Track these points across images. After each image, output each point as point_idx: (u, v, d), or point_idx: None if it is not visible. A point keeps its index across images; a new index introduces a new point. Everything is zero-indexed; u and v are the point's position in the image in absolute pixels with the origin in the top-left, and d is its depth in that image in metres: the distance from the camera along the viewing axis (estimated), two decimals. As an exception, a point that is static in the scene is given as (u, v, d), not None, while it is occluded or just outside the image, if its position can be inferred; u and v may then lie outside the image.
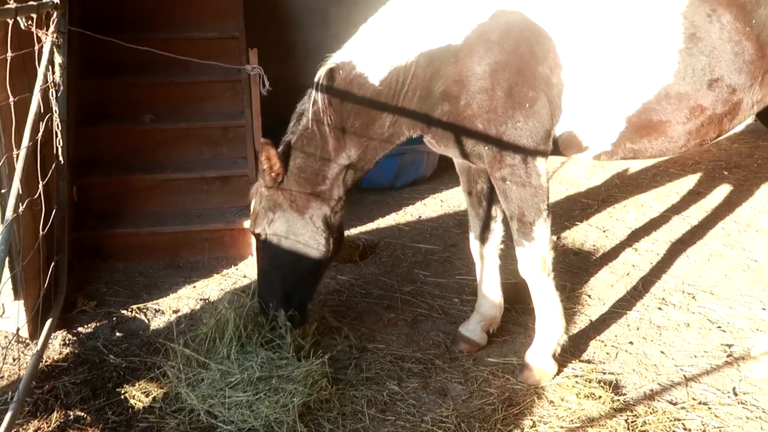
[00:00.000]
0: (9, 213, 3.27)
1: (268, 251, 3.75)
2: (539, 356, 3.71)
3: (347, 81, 3.52)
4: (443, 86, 3.44)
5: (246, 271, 5.01)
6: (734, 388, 3.65)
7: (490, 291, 4.04)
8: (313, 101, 3.53)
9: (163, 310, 4.51)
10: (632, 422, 3.37)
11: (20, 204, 3.35)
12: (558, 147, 3.59)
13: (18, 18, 3.55)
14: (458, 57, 3.39)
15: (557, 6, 3.36)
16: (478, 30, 3.37)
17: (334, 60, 3.57)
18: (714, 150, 7.49)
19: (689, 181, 6.74)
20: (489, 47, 3.36)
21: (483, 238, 3.99)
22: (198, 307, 4.53)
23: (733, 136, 7.71)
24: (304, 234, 3.67)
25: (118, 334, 4.23)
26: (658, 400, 3.56)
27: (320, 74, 3.53)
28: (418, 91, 3.50)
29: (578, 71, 3.37)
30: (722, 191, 6.47)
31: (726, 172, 6.95)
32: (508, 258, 4.12)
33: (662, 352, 3.99)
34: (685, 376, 3.75)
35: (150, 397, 3.59)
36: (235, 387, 3.45)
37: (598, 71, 3.37)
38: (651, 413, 3.44)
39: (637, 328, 4.23)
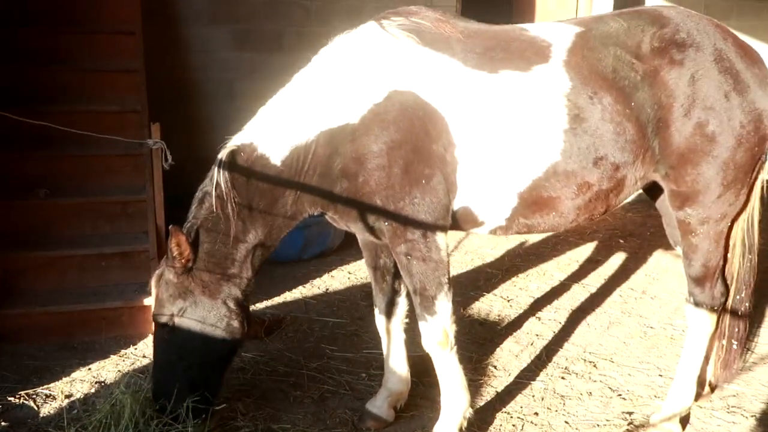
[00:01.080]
0: None
1: (176, 340, 3.63)
2: (446, 431, 3.68)
3: (249, 162, 3.52)
4: (342, 164, 3.48)
5: (145, 351, 4.81)
6: (635, 456, 3.72)
7: (397, 366, 4.01)
8: (215, 184, 3.50)
9: (55, 395, 4.26)
10: (538, 496, 3.37)
11: None
12: (456, 221, 3.65)
13: None
14: (355, 135, 3.45)
15: (449, 87, 3.47)
16: (374, 110, 3.45)
17: (234, 142, 3.58)
18: (610, 219, 7.83)
19: (587, 250, 6.99)
20: (385, 126, 3.43)
21: (388, 312, 3.99)
22: (93, 390, 4.30)
23: (627, 205, 8.09)
24: (219, 319, 3.61)
25: (2, 423, 3.95)
26: (563, 472, 3.58)
27: (221, 156, 3.52)
28: (318, 168, 3.53)
29: (471, 149, 3.47)
30: (618, 259, 6.73)
31: (622, 241, 7.26)
32: (415, 331, 4.12)
33: (566, 422, 4.04)
34: (588, 445, 3.81)
35: (36, 493, 3.35)
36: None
37: (489, 149, 3.48)
38: (556, 486, 3.45)
39: (542, 399, 4.27)
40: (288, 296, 5.82)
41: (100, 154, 5.57)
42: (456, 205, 3.57)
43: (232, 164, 3.52)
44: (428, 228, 3.47)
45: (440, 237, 3.52)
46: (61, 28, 6.10)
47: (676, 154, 3.56)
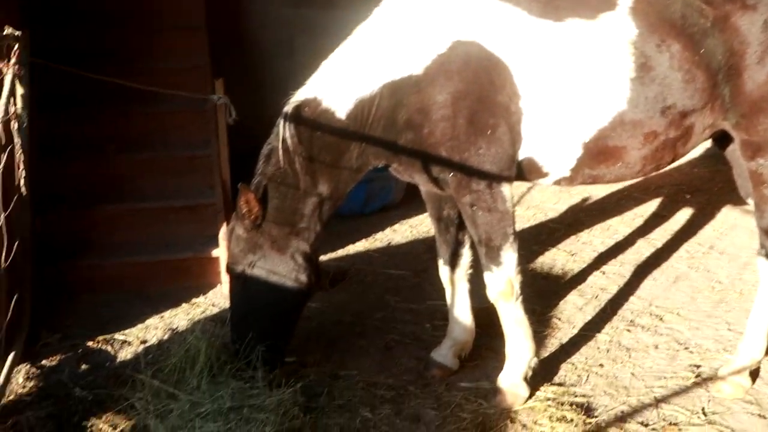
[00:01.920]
0: (-30, 245, 3.21)
1: (248, 292, 3.73)
2: (511, 380, 3.71)
3: (314, 117, 3.55)
4: (406, 115, 3.48)
5: (215, 300, 4.96)
6: (703, 408, 3.68)
7: (462, 316, 4.04)
8: (282, 140, 3.54)
9: (130, 341, 4.43)
10: (604, 444, 3.38)
11: (-18, 236, 3.29)
12: (521, 172, 3.64)
13: (-21, 49, 3.52)
14: (420, 86, 3.44)
15: (513, 37, 3.44)
16: (438, 60, 3.44)
17: (298, 97, 3.60)
18: (675, 175, 7.63)
19: (652, 205, 6.85)
20: (449, 77, 3.42)
21: (452, 263, 4.01)
22: (166, 337, 4.46)
23: (694, 160, 7.87)
24: (288, 273, 3.69)
25: (83, 366, 4.15)
26: (629, 422, 3.57)
27: (286, 111, 3.55)
28: (383, 120, 3.53)
29: (535, 99, 3.44)
30: (685, 214, 6.58)
31: (688, 196, 7.08)
32: (477, 284, 4.13)
33: (632, 373, 4.02)
34: (655, 397, 3.78)
35: (117, 430, 3.51)
36: (205, 418, 3.39)
37: (554, 99, 3.45)
38: (623, 435, 3.45)
39: (607, 351, 4.26)
40: (351, 249, 5.89)
41: (166, 110, 5.70)
42: (520, 155, 3.55)
43: (297, 119, 3.55)
44: (493, 178, 3.47)
45: (505, 187, 3.51)
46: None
47: (748, 103, 3.45)
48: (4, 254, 3.67)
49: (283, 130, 3.55)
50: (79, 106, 5.67)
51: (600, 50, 3.44)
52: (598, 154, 3.54)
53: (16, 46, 3.96)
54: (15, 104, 4.07)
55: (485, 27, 3.45)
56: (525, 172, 3.63)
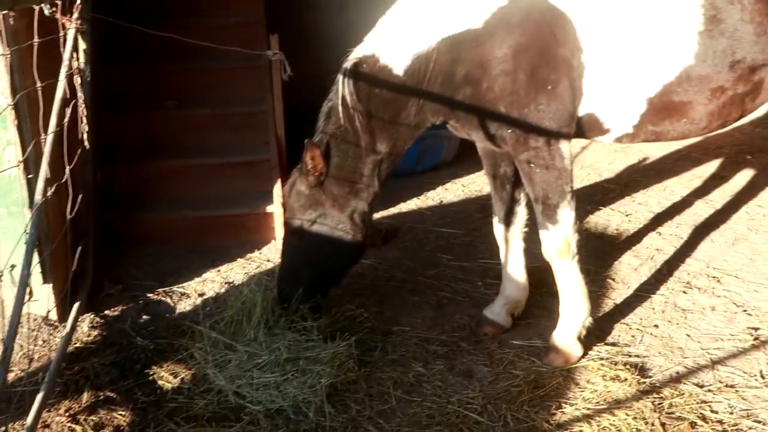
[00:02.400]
0: (38, 197, 3.31)
1: (304, 248, 3.77)
2: (565, 338, 3.71)
3: (372, 74, 3.53)
4: (465, 70, 3.44)
5: (269, 255, 5.04)
6: (761, 371, 3.63)
7: (515, 274, 4.04)
8: (341, 97, 3.54)
9: (189, 294, 4.55)
10: (659, 404, 3.36)
11: (48, 188, 3.39)
12: (580, 129, 3.58)
13: (42, 5, 3.58)
14: (479, 41, 3.39)
15: None
16: (498, 14, 3.37)
17: (356, 54, 3.58)
18: (737, 134, 7.41)
19: (712, 166, 6.67)
20: (510, 30, 3.36)
21: (507, 221, 3.99)
22: (223, 290, 4.57)
23: (756, 120, 7.62)
24: (345, 231, 3.72)
25: (144, 316, 4.28)
26: (685, 383, 3.55)
27: (345, 69, 3.53)
28: (440, 76, 3.50)
29: (599, 54, 3.36)
30: (745, 176, 6.39)
31: (749, 157, 6.87)
32: (531, 242, 4.11)
33: (688, 335, 3.97)
34: (711, 359, 3.74)
35: (178, 379, 3.63)
36: (262, 368, 3.48)
37: (618, 54, 3.37)
38: (677, 396, 3.43)
39: (662, 312, 4.21)
40: (403, 207, 5.90)
41: (223, 66, 5.74)
42: (581, 111, 3.49)
43: (356, 75, 3.54)
44: (552, 135, 3.42)
45: (564, 145, 3.47)
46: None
47: None
48: (68, 207, 3.78)
49: (343, 87, 3.55)
50: (138, 61, 5.75)
51: (667, 3, 3.35)
52: (662, 110, 3.46)
53: (79, 2, 4.02)
54: (77, 59, 4.15)
55: None
56: (585, 129, 3.57)
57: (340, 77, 3.58)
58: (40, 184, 3.37)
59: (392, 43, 3.53)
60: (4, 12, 3.44)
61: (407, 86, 3.52)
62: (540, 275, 4.30)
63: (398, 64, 3.51)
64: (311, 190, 3.69)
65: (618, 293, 4.42)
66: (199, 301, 4.45)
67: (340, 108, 3.56)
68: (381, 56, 3.54)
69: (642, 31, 3.37)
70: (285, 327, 3.75)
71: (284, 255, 3.94)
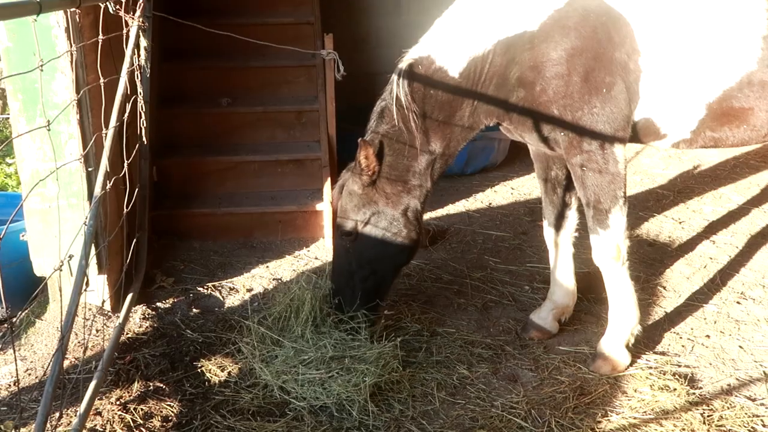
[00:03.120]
0: (98, 190, 3.41)
1: (357, 248, 3.75)
2: (612, 346, 3.66)
3: (428, 75, 3.53)
4: (519, 72, 3.42)
5: (317, 253, 5.09)
6: (816, 386, 3.54)
7: (564, 279, 4.00)
8: (396, 98, 3.54)
9: (237, 289, 4.62)
10: (708, 416, 3.30)
11: (107, 181, 3.48)
12: (636, 134, 3.53)
13: (108, 3, 3.69)
14: (534, 43, 3.37)
15: None
16: (555, 16, 3.35)
17: (412, 55, 3.59)
18: (798, 142, 7.21)
19: (770, 174, 6.51)
20: (565, 33, 3.33)
21: (557, 225, 3.95)
22: (271, 286, 4.62)
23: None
24: (399, 230, 3.70)
25: (194, 310, 4.36)
26: (736, 395, 3.47)
27: (400, 69, 3.54)
28: (495, 78, 3.49)
29: (657, 57, 3.31)
30: (806, 184, 6.23)
31: (809, 165, 6.69)
32: (580, 247, 4.07)
33: (740, 347, 3.89)
34: (764, 372, 3.65)
35: (225, 372, 3.69)
36: (308, 365, 3.52)
37: (677, 57, 3.31)
38: (728, 408, 3.36)
39: (715, 322, 4.13)
40: (451, 209, 5.89)
41: (276, 65, 5.81)
42: (637, 115, 3.44)
43: (411, 76, 3.54)
44: (606, 139, 3.38)
45: (618, 149, 3.42)
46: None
47: None
48: (125, 200, 3.88)
49: (397, 88, 3.55)
50: (195, 59, 5.86)
51: (729, 4, 3.28)
52: (722, 116, 3.40)
53: (141, 0, 4.12)
54: (138, 56, 4.25)
55: None
56: (642, 133, 3.52)
57: (394, 77, 3.59)
58: (99, 178, 3.47)
59: (448, 45, 3.53)
60: (71, 9, 3.54)
61: (462, 88, 3.52)
62: (589, 281, 4.26)
63: (454, 66, 3.52)
64: (364, 189, 3.69)
65: (669, 302, 4.35)
66: (247, 296, 4.51)
67: (394, 108, 3.57)
68: (437, 58, 3.54)
69: (702, 35, 3.31)
70: (332, 326, 3.77)
71: (337, 257, 3.90)
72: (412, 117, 3.54)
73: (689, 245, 5.13)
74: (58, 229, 3.51)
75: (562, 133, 3.42)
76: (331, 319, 3.80)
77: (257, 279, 4.74)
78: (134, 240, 4.24)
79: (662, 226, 5.47)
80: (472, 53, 3.47)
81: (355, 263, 3.77)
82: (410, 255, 3.84)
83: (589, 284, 4.26)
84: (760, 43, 3.26)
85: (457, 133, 3.64)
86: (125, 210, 3.90)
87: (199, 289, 4.60)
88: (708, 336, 3.99)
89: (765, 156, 6.85)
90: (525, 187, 6.32)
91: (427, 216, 5.66)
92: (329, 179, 5.22)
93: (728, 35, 3.29)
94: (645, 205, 5.90)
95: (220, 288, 4.63)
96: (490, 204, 6.01)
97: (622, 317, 3.65)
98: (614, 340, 3.66)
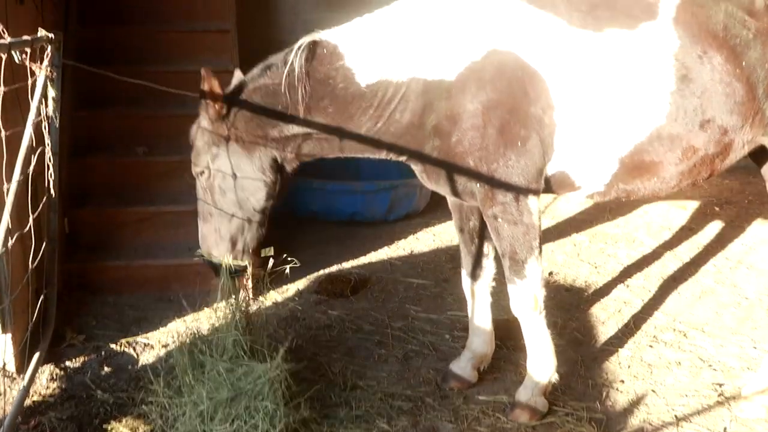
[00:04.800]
0: (-1, 248, 3.26)
1: (215, 187, 3.59)
2: (531, 395, 3.69)
3: (331, 67, 3.43)
4: (435, 121, 3.44)
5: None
6: (725, 429, 3.64)
7: (482, 328, 4.02)
8: (290, 66, 3.40)
9: (153, 344, 4.48)
10: (623, 463, 3.35)
11: (10, 238, 3.34)
12: (550, 186, 3.60)
13: (12, 52, 3.57)
14: (451, 93, 3.39)
15: (550, 48, 3.38)
16: (472, 68, 3.38)
17: (321, 36, 3.48)
18: (705, 186, 7.52)
19: (681, 217, 6.77)
20: (481, 86, 3.37)
21: (475, 275, 3.99)
22: (187, 341, 4.48)
23: (724, 171, 7.75)
24: (249, 171, 3.53)
25: (106, 368, 4.19)
26: (649, 441, 3.54)
27: (302, 44, 3.43)
28: (407, 114, 3.45)
29: (571, 112, 3.39)
30: (714, 227, 6.49)
31: (717, 208, 6.99)
32: (500, 294, 4.12)
33: (653, 390, 3.97)
34: (676, 416, 3.74)
35: (136, 435, 3.55)
36: (210, 419, 3.37)
37: (590, 113, 3.39)
38: (642, 454, 3.42)
39: (629, 367, 4.21)
40: (373, 257, 5.89)
41: (195, 113, 5.70)
42: (552, 168, 3.50)
43: (311, 54, 3.43)
44: (521, 191, 3.44)
45: (532, 200, 3.48)
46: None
47: None
48: (32, 255, 3.73)
49: (295, 57, 3.40)
50: (110, 106, 5.73)
51: (640, 62, 3.38)
52: (633, 169, 3.49)
53: (49, 49, 4.01)
54: (46, 106, 4.13)
55: (523, 36, 3.38)
56: (556, 185, 3.59)
57: (294, 47, 3.45)
58: (0, 235, 3.32)
59: (362, 51, 3.44)
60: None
61: (364, 100, 3.43)
62: (508, 328, 4.30)
63: (362, 75, 3.43)
64: (214, 125, 3.53)
65: (585, 348, 4.43)
66: (162, 352, 4.38)
67: (284, 73, 3.41)
68: (346, 56, 3.44)
69: (615, 90, 3.39)
70: (215, 360, 3.59)
71: (198, 202, 3.71)
72: (301, 91, 3.41)
73: (604, 290, 5.25)
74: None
75: (478, 185, 3.47)
76: (214, 355, 3.62)
77: (173, 334, 4.60)
78: (42, 296, 4.06)
79: (579, 271, 5.59)
80: (386, 75, 3.41)
81: (213, 204, 3.60)
82: (267, 197, 3.62)
83: (508, 331, 4.30)
84: (668, 98, 3.37)
85: (346, 140, 3.55)
86: (32, 265, 3.74)
87: (111, 346, 4.43)
88: (622, 381, 4.06)
89: (674, 200, 7.12)
90: (446, 234, 6.38)
91: (348, 264, 5.68)
92: (249, 229, 5.14)
93: (638, 91, 3.38)
94: (562, 249, 6.03)
95: (134, 344, 4.48)
96: (412, 251, 6.04)
97: (540, 366, 3.69)
98: (532, 389, 3.69)
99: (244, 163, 3.54)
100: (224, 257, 3.66)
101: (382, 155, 3.66)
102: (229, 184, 3.56)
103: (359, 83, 3.45)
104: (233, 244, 3.66)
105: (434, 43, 3.43)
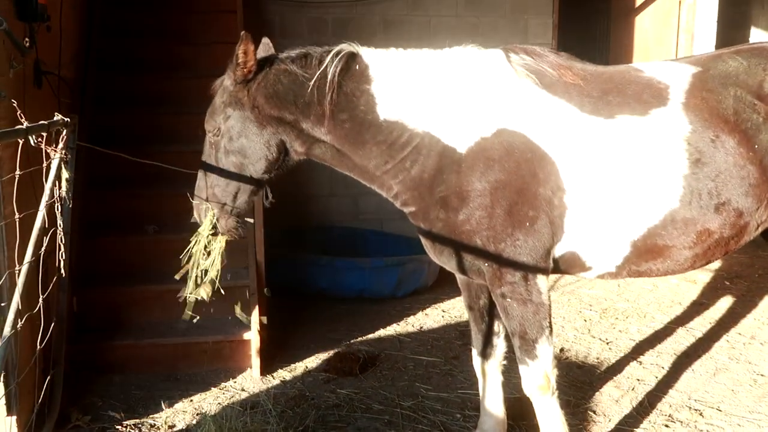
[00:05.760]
0: (7, 329, 3.25)
1: (216, 147, 3.59)
2: (545, 478, 3.59)
3: (357, 86, 3.45)
4: (444, 192, 3.42)
5: (245, 384, 4.93)
6: None
7: (493, 408, 3.95)
8: (324, 69, 3.42)
9: (159, 426, 4.40)
10: None
11: (19, 319, 3.33)
12: (561, 266, 3.56)
13: (28, 136, 3.65)
14: (461, 167, 3.39)
15: (562, 132, 3.39)
16: (481, 144, 3.38)
17: (360, 51, 3.50)
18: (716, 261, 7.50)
19: (691, 292, 6.73)
20: (489, 165, 3.37)
21: (485, 353, 3.94)
22: (194, 421, 4.42)
23: (733, 245, 7.74)
24: (255, 141, 3.52)
25: (111, 452, 4.12)
26: None
27: (342, 52, 3.45)
28: (417, 168, 3.45)
29: (582, 195, 3.37)
30: (725, 302, 6.44)
31: (728, 283, 6.95)
32: (512, 371, 4.06)
33: (671, 473, 3.88)
34: (696, 499, 3.63)
35: None
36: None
37: (602, 196, 3.37)
38: None
39: (645, 447, 4.12)
40: (382, 333, 5.84)
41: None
42: (563, 249, 3.47)
43: (347, 65, 3.44)
44: (529, 270, 3.41)
45: (541, 280, 3.45)
46: (166, 74, 6.44)
47: None
48: (40, 335, 3.71)
49: (332, 64, 3.42)
50: (122, 185, 5.81)
51: (652, 147, 3.36)
52: (646, 252, 3.45)
53: (65, 132, 4.10)
54: (59, 187, 4.19)
55: (534, 119, 3.40)
56: (566, 265, 3.55)
57: (334, 51, 3.46)
58: (10, 316, 3.31)
59: (388, 83, 3.44)
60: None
61: (379, 133, 3.44)
62: (520, 407, 4.22)
63: (383, 109, 3.44)
64: (236, 86, 3.52)
65: (599, 427, 4.33)
66: (168, 433, 4.31)
67: (317, 74, 3.42)
68: (373, 80, 3.45)
69: (627, 175, 3.37)
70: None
71: (204, 153, 3.70)
72: (329, 97, 3.42)
73: (617, 366, 5.18)
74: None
75: (486, 264, 3.46)
76: None
77: (180, 414, 4.53)
78: (48, 377, 4.03)
79: (590, 347, 5.52)
80: (404, 119, 3.43)
81: (215, 161, 3.60)
82: (266, 170, 3.60)
83: (521, 410, 4.21)
84: (681, 181, 3.35)
85: (346, 159, 3.56)
86: (39, 346, 3.72)
87: (117, 427, 4.36)
88: (639, 462, 3.97)
89: (685, 275, 7.07)
90: (456, 310, 6.34)
91: (357, 341, 5.63)
92: (257, 307, 5.14)
93: (651, 175, 3.36)
94: (573, 325, 5.97)
95: (140, 425, 4.41)
96: (421, 328, 5.99)
97: (554, 447, 3.60)
98: (546, 472, 3.60)
99: (252, 133, 3.54)
100: (212, 211, 3.67)
101: (390, 197, 3.64)
102: (234, 146, 3.56)
103: (378, 114, 3.46)
104: (224, 202, 3.65)
105: (453, 108, 3.44)
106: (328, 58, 3.45)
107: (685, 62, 3.59)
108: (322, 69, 3.44)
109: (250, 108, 3.53)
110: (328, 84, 3.43)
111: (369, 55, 3.52)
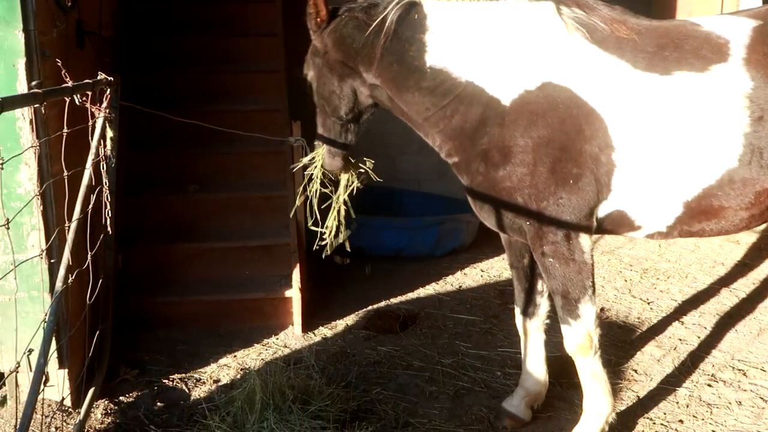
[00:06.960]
0: (59, 284, 3.33)
1: (311, 90, 3.85)
2: (586, 435, 3.60)
3: (412, 34, 3.48)
4: (486, 145, 3.39)
5: (287, 341, 5.00)
6: (792, 473, 3.50)
7: (535, 366, 3.96)
8: (384, 15, 3.47)
9: (204, 380, 4.50)
10: (686, 507, 3.24)
11: (70, 275, 3.41)
12: (606, 225, 3.50)
13: (74, 95, 3.69)
14: (504, 120, 3.34)
15: (613, 88, 3.30)
16: (525, 96, 3.32)
17: (423, 2, 3.51)
18: (759, 220, 7.36)
19: (735, 253, 6.62)
20: (533, 120, 3.30)
21: (528, 312, 3.93)
22: (238, 376, 4.51)
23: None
24: (330, 84, 3.71)
25: (158, 403, 4.22)
26: (712, 484, 3.42)
27: (405, 1, 3.48)
28: (458, 118, 3.44)
29: (632, 153, 3.28)
30: (769, 263, 6.34)
31: (773, 243, 6.82)
32: (553, 330, 4.05)
33: (714, 431, 3.86)
34: (739, 458, 3.62)
35: (190, 471, 3.56)
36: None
37: (655, 155, 3.28)
38: (705, 498, 3.30)
39: (687, 406, 4.10)
40: (421, 292, 5.87)
41: (245, 151, 5.84)
42: (610, 207, 3.41)
43: (405, 14, 3.48)
44: (572, 229, 3.37)
45: (584, 239, 3.41)
46: (211, 34, 6.44)
47: None
48: (89, 291, 3.80)
49: (392, 11, 3.46)
50: (163, 146, 5.87)
51: (711, 104, 3.24)
52: (699, 213, 3.36)
53: (108, 91, 4.14)
54: (104, 146, 4.24)
55: (582, 74, 3.31)
56: (614, 224, 3.49)
57: (394, 1, 3.50)
58: (61, 271, 3.39)
59: (441, 32, 3.46)
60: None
61: (423, 80, 3.47)
62: (561, 365, 4.23)
63: (431, 55, 3.46)
64: (315, 35, 3.70)
65: (641, 386, 4.32)
66: (213, 387, 4.39)
67: (377, 19, 3.48)
68: (428, 29, 3.47)
69: (684, 134, 3.27)
70: (297, 413, 3.67)
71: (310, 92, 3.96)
72: (383, 41, 3.48)
73: (659, 327, 5.14)
74: (15, 324, 3.42)
75: (528, 223, 3.43)
76: (288, 404, 3.69)
77: (224, 369, 4.62)
78: (97, 332, 4.13)
79: (631, 307, 5.49)
80: (449, 66, 3.43)
81: (314, 101, 3.89)
82: (342, 112, 3.76)
83: (562, 369, 4.22)
84: (741, 140, 3.24)
85: (395, 106, 3.64)
86: (89, 302, 3.81)
87: (164, 381, 4.47)
88: (681, 421, 3.95)
89: (729, 235, 6.95)
90: (494, 269, 6.34)
91: (396, 300, 5.67)
92: (298, 265, 5.19)
93: (708, 133, 3.26)
94: (613, 285, 5.93)
95: (186, 380, 4.51)
96: (460, 287, 6.00)
97: (597, 406, 3.60)
98: (589, 429, 3.61)
99: (327, 77, 3.73)
100: (319, 147, 3.94)
101: (435, 147, 3.65)
102: (318, 89, 3.80)
103: (426, 61, 3.47)
104: (322, 136, 3.89)
105: (498, 59, 3.39)
106: (390, 7, 3.50)
107: (744, 15, 3.46)
108: (382, 16, 3.50)
109: (323, 54, 3.70)
110: (384, 30, 3.48)
111: (429, 5, 3.53)
